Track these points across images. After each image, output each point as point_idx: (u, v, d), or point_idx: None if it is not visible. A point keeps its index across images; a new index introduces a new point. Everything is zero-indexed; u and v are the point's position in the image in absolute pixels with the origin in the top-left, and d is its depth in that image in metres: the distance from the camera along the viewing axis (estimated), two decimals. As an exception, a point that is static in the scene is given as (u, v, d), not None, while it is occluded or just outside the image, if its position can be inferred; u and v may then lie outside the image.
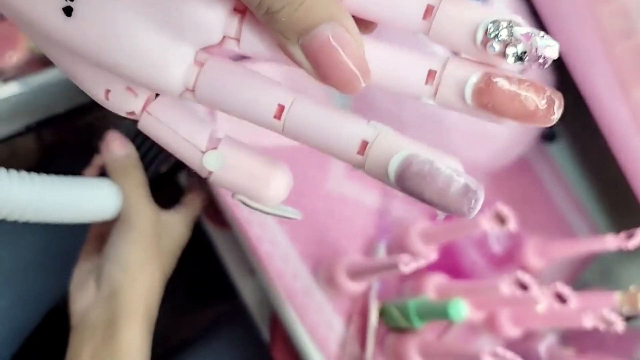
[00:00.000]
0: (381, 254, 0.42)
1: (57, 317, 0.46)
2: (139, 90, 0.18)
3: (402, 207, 0.45)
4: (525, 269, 0.46)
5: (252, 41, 0.17)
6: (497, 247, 0.42)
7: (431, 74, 0.16)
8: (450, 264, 0.42)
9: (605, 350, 0.42)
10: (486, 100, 0.15)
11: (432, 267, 0.43)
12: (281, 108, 0.17)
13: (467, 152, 0.41)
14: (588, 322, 0.36)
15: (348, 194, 0.44)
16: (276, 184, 0.18)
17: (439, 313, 0.37)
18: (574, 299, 0.36)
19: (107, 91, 0.18)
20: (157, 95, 0.18)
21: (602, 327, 0.36)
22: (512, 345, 0.45)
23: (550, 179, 0.53)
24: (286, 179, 0.18)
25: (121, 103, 0.18)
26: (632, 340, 0.43)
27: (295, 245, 0.41)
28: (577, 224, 0.53)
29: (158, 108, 0.18)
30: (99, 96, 0.18)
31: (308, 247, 0.41)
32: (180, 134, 0.18)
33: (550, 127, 0.51)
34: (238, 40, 0.17)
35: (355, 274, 0.38)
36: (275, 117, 0.17)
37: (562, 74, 0.42)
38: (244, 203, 0.18)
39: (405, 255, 0.34)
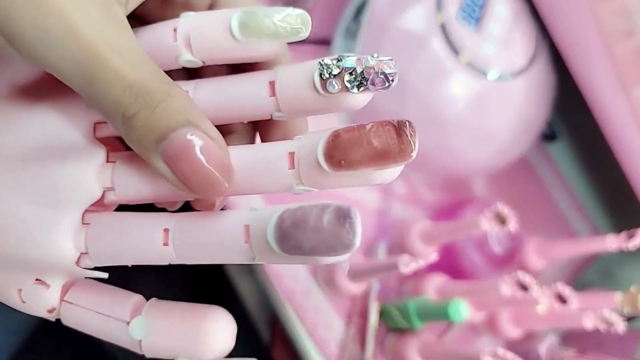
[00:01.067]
0: (381, 254, 0.42)
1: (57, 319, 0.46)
2: (49, 280, 0.17)
3: (402, 207, 0.45)
4: (525, 269, 0.46)
5: (127, 184, 0.16)
6: (497, 248, 0.41)
7: (290, 156, 0.16)
8: (450, 264, 0.41)
9: (606, 351, 0.41)
10: (338, 156, 0.14)
11: (433, 268, 0.42)
12: (166, 232, 0.16)
13: (468, 152, 0.41)
14: (589, 322, 0.36)
15: (348, 195, 0.43)
16: (216, 339, 0.16)
17: (439, 314, 0.37)
18: (575, 300, 0.36)
19: (19, 291, 0.17)
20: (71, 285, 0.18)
21: (602, 327, 0.36)
22: (512, 345, 0.45)
23: (550, 179, 0.53)
24: (226, 330, 0.16)
25: (37, 300, 0.17)
26: (632, 341, 0.43)
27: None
28: (578, 224, 0.53)
29: (77, 294, 0.17)
30: (14, 300, 0.17)
31: (308, 247, 0.41)
32: (103, 312, 0.17)
33: (551, 127, 0.51)
34: (113, 189, 0.16)
35: (355, 274, 0.37)
36: (164, 244, 0.16)
37: (562, 74, 0.42)
38: None
39: (405, 255, 0.33)
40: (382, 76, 0.15)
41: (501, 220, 0.35)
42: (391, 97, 0.39)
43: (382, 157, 0.14)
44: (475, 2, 0.39)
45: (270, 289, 0.40)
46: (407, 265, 0.33)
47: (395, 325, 0.40)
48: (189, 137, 0.14)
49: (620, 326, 0.35)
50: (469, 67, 0.37)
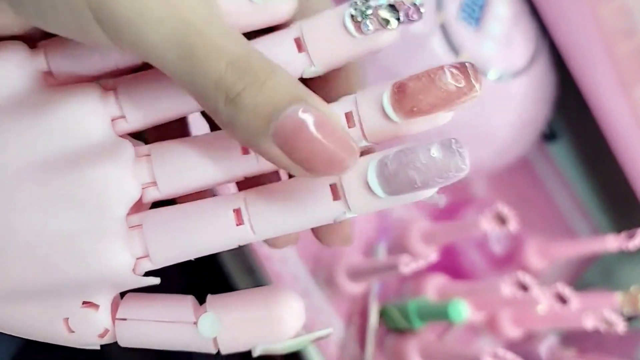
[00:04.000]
0: (381, 254, 0.41)
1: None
2: (97, 299, 0.15)
3: (402, 208, 0.45)
4: (526, 269, 0.45)
5: (170, 175, 0.15)
6: (497, 248, 0.41)
7: (348, 117, 0.15)
8: (450, 264, 0.41)
9: (606, 352, 0.41)
10: (409, 104, 0.14)
11: (433, 268, 0.42)
12: (237, 212, 0.15)
13: (468, 152, 0.40)
14: (589, 322, 0.36)
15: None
16: (289, 314, 0.15)
17: (439, 314, 0.36)
18: (575, 300, 0.35)
19: (66, 320, 0.15)
20: (121, 295, 0.16)
21: (603, 327, 0.35)
22: (512, 346, 0.45)
23: (551, 179, 0.52)
24: (295, 302, 0.15)
25: (87, 327, 0.15)
26: (632, 342, 0.42)
27: (295, 246, 0.40)
28: (578, 224, 0.53)
29: (128, 309, 0.16)
30: (60, 333, 0.15)
31: (307, 247, 0.40)
32: (165, 320, 0.16)
33: (551, 127, 0.50)
34: (155, 183, 0.15)
35: (355, 275, 0.37)
36: (237, 224, 0.15)
37: (563, 74, 0.41)
38: (270, 355, 0.15)
39: (405, 256, 0.33)
40: (414, 6, 0.15)
41: (501, 220, 0.34)
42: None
43: (455, 99, 0.14)
44: (476, 2, 0.38)
45: (270, 289, 0.40)
46: (407, 265, 0.32)
47: (395, 326, 0.40)
48: (301, 114, 0.13)
49: (621, 326, 0.34)
50: (469, 67, 0.37)
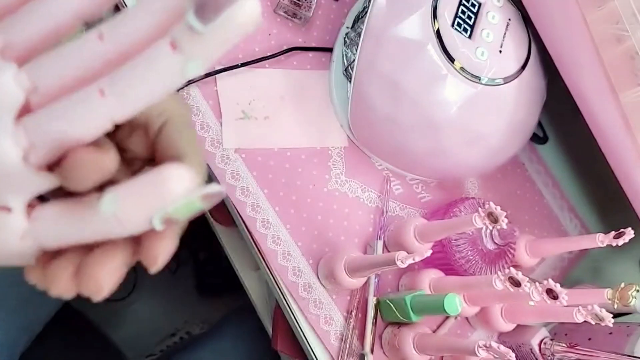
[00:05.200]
0: (379, 250, 0.42)
1: (64, 314, 0.46)
2: (9, 202, 0.16)
3: (398, 206, 0.46)
4: (517, 266, 0.46)
5: (48, 72, 0.16)
6: (490, 245, 0.42)
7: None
8: (445, 260, 0.42)
9: (596, 346, 0.41)
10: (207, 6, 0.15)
11: (428, 263, 0.43)
12: (101, 90, 0.16)
13: (462, 153, 0.41)
14: (579, 317, 0.36)
15: (348, 193, 0.44)
16: (173, 175, 0.16)
17: (435, 307, 0.37)
18: (565, 295, 0.36)
19: None
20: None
21: (593, 322, 0.36)
22: (505, 338, 0.45)
23: (541, 180, 0.53)
24: (179, 167, 0.16)
25: (5, 229, 0.16)
26: (622, 337, 0.43)
27: (297, 242, 0.41)
28: (568, 222, 0.53)
29: (39, 211, 0.17)
30: None
31: (309, 244, 0.41)
32: (73, 210, 0.17)
33: (542, 130, 0.51)
34: (35, 89, 0.16)
35: (354, 269, 0.38)
36: (100, 98, 0.16)
37: (553, 78, 0.42)
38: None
39: (401, 251, 0.34)
40: None
41: (493, 218, 0.35)
42: (388, 101, 0.39)
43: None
44: (470, 10, 0.39)
45: (274, 284, 0.41)
46: (404, 261, 0.33)
47: (393, 319, 0.41)
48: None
49: (610, 321, 0.35)
50: (463, 72, 0.37)
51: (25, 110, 0.16)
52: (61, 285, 0.17)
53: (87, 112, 0.16)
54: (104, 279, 0.16)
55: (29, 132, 0.16)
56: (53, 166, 0.17)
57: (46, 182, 0.17)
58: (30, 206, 0.17)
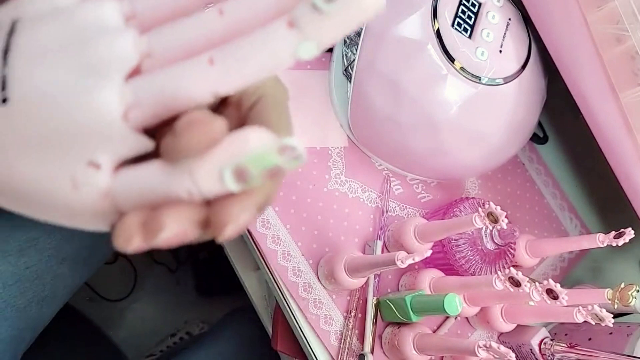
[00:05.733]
0: (378, 250, 0.42)
1: (65, 313, 0.46)
2: (99, 159, 0.16)
3: (398, 206, 0.46)
4: (517, 266, 0.46)
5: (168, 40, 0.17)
6: (490, 245, 0.41)
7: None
8: (445, 260, 0.42)
9: (596, 346, 0.41)
10: None
11: (428, 263, 0.43)
12: (211, 59, 0.16)
13: (462, 153, 0.41)
14: (579, 317, 0.36)
15: (348, 193, 0.44)
16: (252, 131, 0.15)
17: (435, 307, 0.37)
18: (565, 295, 0.36)
19: (72, 179, 0.16)
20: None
21: (593, 322, 0.36)
22: (505, 339, 0.45)
23: (541, 179, 0.53)
24: (258, 128, 0.16)
25: (90, 184, 0.16)
26: (622, 337, 0.43)
27: (297, 242, 0.41)
28: (568, 222, 0.53)
29: (128, 169, 0.17)
30: (66, 191, 0.16)
31: (309, 244, 0.41)
32: (157, 166, 0.16)
33: (542, 129, 0.51)
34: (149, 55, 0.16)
35: (354, 269, 0.38)
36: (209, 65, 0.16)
37: (553, 78, 0.42)
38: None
39: (401, 251, 0.34)
40: None
41: (493, 218, 0.35)
42: (388, 101, 0.39)
43: None
44: (470, 9, 0.39)
45: (274, 284, 0.40)
46: (404, 261, 0.33)
47: (393, 319, 0.40)
48: None
49: (610, 321, 0.35)
50: (463, 72, 0.37)
51: (135, 73, 0.16)
52: (129, 229, 0.16)
53: (195, 77, 0.16)
54: (167, 223, 0.15)
55: (136, 90, 0.16)
56: (150, 131, 0.17)
57: (140, 145, 0.16)
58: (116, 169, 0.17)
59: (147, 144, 0.16)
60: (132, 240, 0.16)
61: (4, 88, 0.16)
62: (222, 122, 0.15)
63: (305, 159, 0.15)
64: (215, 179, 0.15)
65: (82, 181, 0.16)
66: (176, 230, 0.15)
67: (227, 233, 0.16)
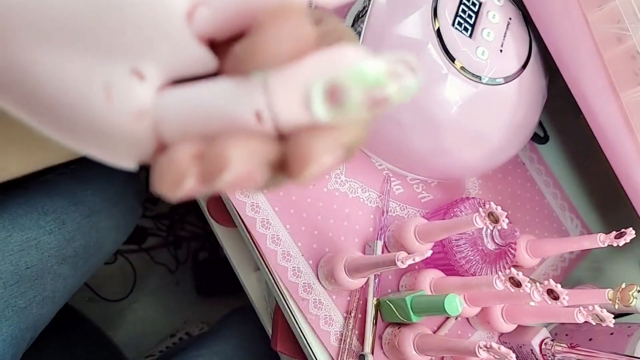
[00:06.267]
0: (379, 251, 0.42)
1: (65, 314, 0.46)
2: (146, 69, 0.12)
3: (399, 206, 0.45)
4: (518, 266, 0.46)
5: None
6: (491, 245, 0.41)
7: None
8: (445, 260, 0.41)
9: (597, 347, 0.41)
10: None
11: (428, 263, 0.42)
12: None
13: (462, 153, 0.41)
14: (580, 317, 0.36)
15: (348, 193, 0.44)
16: (348, 46, 0.12)
17: (435, 308, 0.37)
18: (566, 296, 0.36)
19: (106, 86, 0.12)
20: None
21: (594, 322, 0.36)
22: (506, 339, 0.45)
23: (542, 179, 0.53)
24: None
25: (126, 98, 0.12)
26: (622, 337, 0.43)
27: (297, 242, 0.41)
28: (569, 222, 0.53)
29: (174, 88, 0.13)
30: (94, 100, 0.12)
31: (309, 244, 0.41)
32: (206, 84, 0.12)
33: (543, 129, 0.51)
34: None
35: (354, 270, 0.38)
36: None
37: (553, 77, 0.42)
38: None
39: (401, 252, 0.33)
40: None
41: (494, 219, 0.35)
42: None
43: None
44: (470, 9, 0.39)
45: (274, 284, 0.40)
46: (404, 261, 0.33)
47: (393, 319, 0.40)
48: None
49: (610, 322, 0.35)
50: (464, 71, 0.37)
51: None
52: (179, 165, 0.12)
53: None
54: (233, 157, 0.11)
55: None
56: (216, 45, 0.13)
57: (200, 61, 0.13)
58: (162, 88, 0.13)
59: (208, 62, 0.13)
60: (183, 181, 0.11)
61: None
62: (310, 26, 0.12)
63: (417, 87, 0.11)
64: (297, 100, 0.11)
65: (118, 91, 0.12)
66: (242, 168, 0.12)
67: (307, 175, 0.12)
